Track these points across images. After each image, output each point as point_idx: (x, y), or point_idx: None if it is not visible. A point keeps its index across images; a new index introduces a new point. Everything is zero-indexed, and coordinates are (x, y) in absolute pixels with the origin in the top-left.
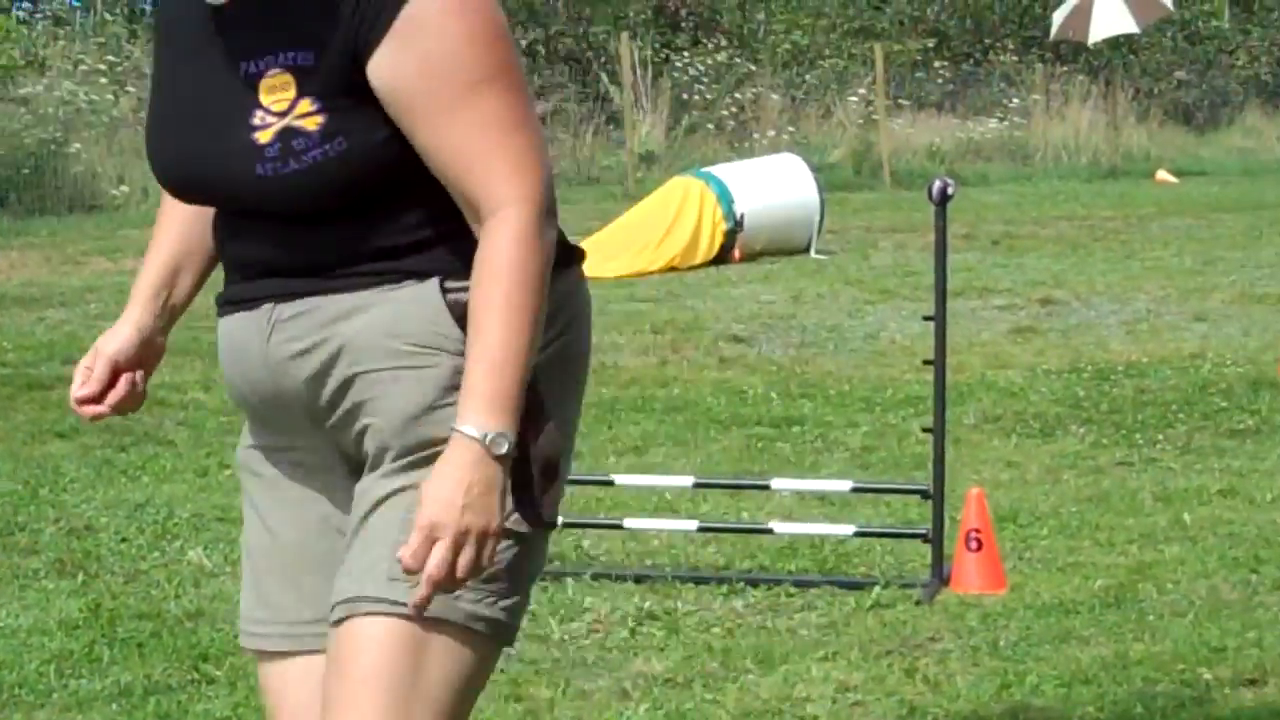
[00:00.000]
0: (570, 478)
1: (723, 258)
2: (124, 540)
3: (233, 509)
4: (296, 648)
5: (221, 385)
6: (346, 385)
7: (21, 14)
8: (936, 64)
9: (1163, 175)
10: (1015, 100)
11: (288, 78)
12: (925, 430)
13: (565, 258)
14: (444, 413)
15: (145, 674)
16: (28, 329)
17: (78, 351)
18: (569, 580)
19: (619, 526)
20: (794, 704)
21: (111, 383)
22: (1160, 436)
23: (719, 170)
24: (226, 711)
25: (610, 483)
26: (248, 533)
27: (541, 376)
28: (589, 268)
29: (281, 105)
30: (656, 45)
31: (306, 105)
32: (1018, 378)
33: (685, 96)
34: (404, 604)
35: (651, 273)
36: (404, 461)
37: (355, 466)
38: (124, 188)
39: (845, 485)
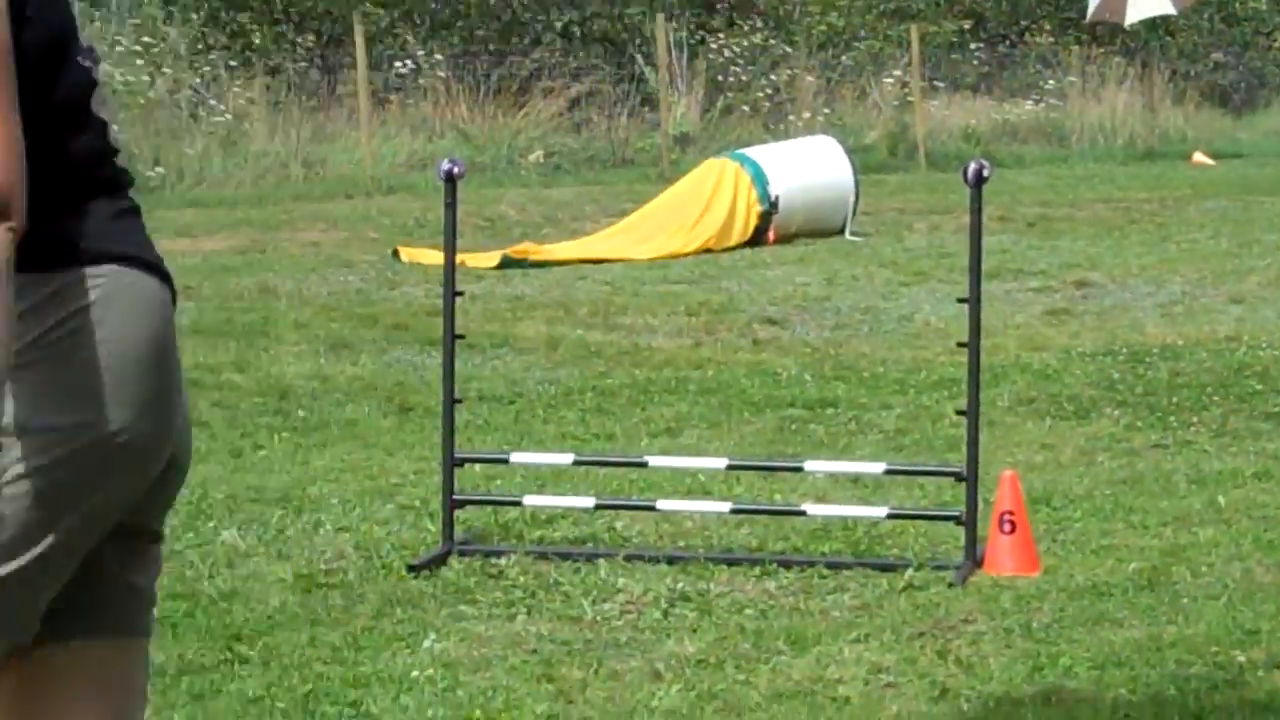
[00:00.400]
0: (604, 459)
1: (757, 239)
2: None
3: (267, 490)
4: None
5: (256, 366)
6: None
7: None
8: (972, 45)
9: (1199, 157)
10: (1051, 82)
11: None
12: (959, 413)
13: (67, 256)
14: None
15: (179, 654)
16: None
17: None
18: (601, 561)
19: (652, 508)
20: (826, 685)
21: None
22: (1195, 419)
23: (754, 152)
24: (260, 691)
25: (644, 464)
26: None
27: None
28: (621, 249)
29: None
30: (692, 27)
31: None
32: (1052, 360)
33: (720, 78)
34: None
35: (686, 254)
36: None
37: None
38: (160, 169)
39: (879, 467)
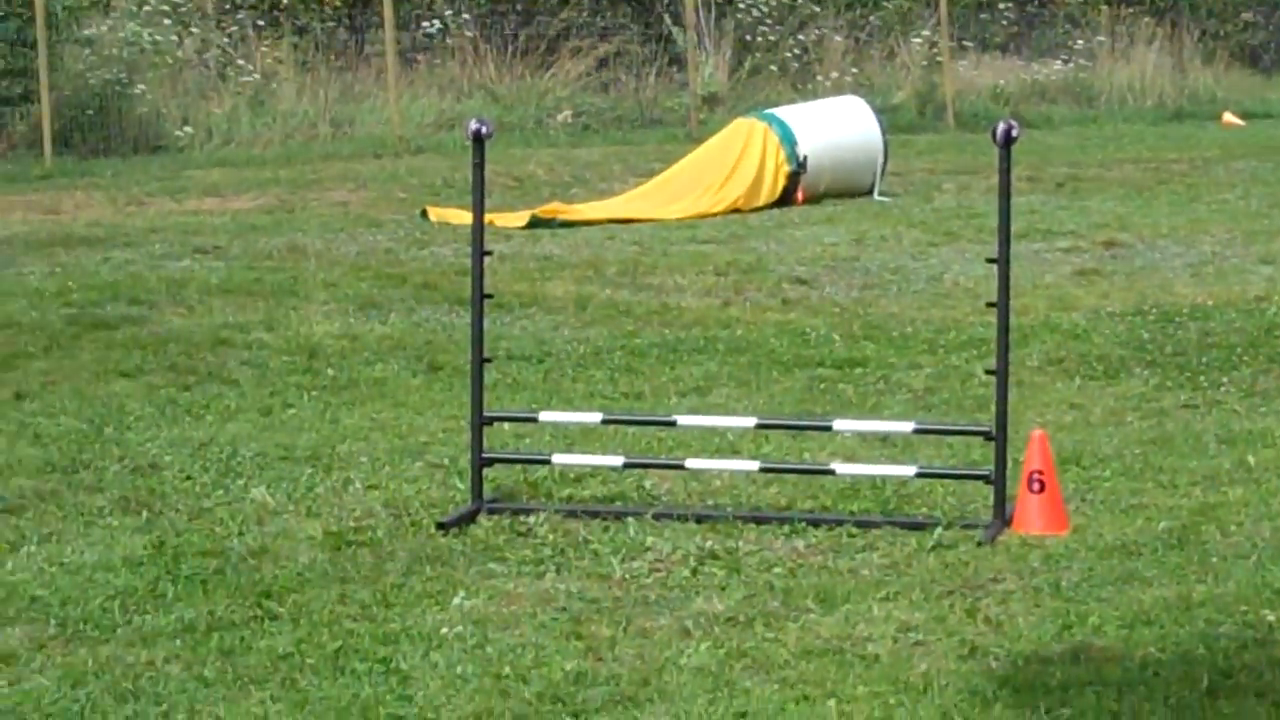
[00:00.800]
0: (632, 418)
1: (785, 200)
2: (188, 478)
3: (296, 448)
4: None
5: (285, 325)
6: None
7: None
8: (1001, 5)
9: (1229, 118)
10: (1080, 42)
11: None
12: (988, 372)
13: None
14: None
15: (209, 610)
16: (92, 269)
17: (142, 291)
18: (630, 520)
19: (681, 467)
20: (855, 643)
21: None
22: (1224, 379)
23: (782, 112)
24: (289, 648)
25: (673, 423)
26: None
27: None
28: (650, 209)
29: None
30: None
31: None
32: (1081, 320)
33: (748, 38)
34: None
35: (714, 215)
36: None
37: None
38: (188, 128)
39: (908, 426)
